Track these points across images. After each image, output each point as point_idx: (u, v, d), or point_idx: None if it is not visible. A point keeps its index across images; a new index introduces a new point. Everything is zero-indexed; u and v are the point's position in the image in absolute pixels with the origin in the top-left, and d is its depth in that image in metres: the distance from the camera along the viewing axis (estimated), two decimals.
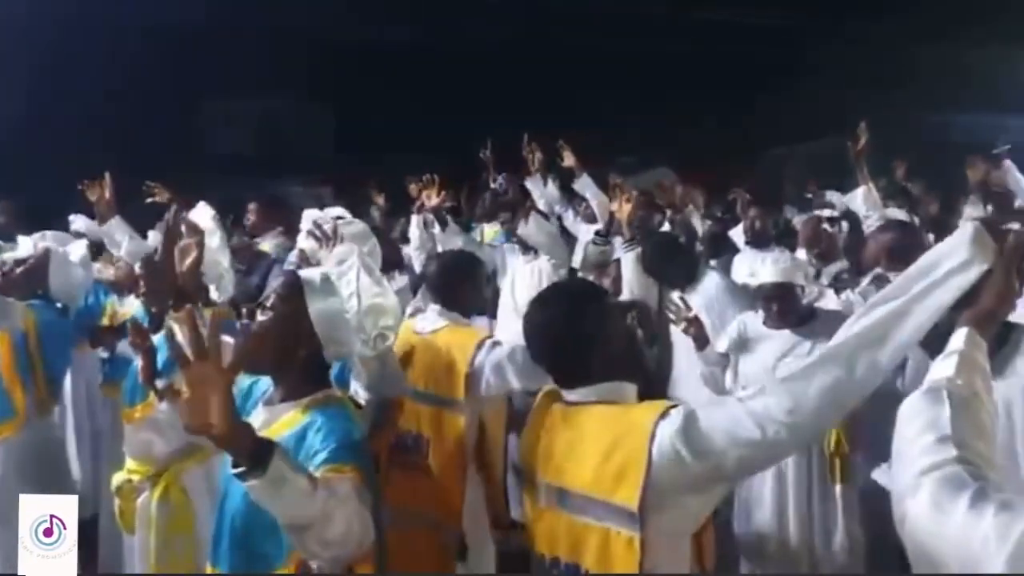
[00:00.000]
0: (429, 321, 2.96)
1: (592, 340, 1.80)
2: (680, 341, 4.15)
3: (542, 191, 6.07)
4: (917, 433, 1.22)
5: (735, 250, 5.38)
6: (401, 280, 4.80)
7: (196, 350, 1.43)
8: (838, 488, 3.38)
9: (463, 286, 3.06)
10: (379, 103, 11.94)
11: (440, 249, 4.51)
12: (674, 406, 1.66)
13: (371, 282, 2.16)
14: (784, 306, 3.52)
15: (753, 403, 1.56)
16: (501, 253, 5.56)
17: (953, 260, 1.40)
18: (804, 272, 3.70)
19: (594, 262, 4.62)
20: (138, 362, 2.62)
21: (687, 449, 1.57)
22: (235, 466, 1.46)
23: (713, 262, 5.18)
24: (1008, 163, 6.03)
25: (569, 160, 5.92)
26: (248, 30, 11.25)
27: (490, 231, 6.28)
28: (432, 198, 4.80)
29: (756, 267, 3.75)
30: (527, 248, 5.04)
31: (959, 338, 1.35)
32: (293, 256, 3.31)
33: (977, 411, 1.26)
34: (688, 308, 3.72)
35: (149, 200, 4.96)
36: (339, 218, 3.16)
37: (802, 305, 3.60)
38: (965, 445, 1.16)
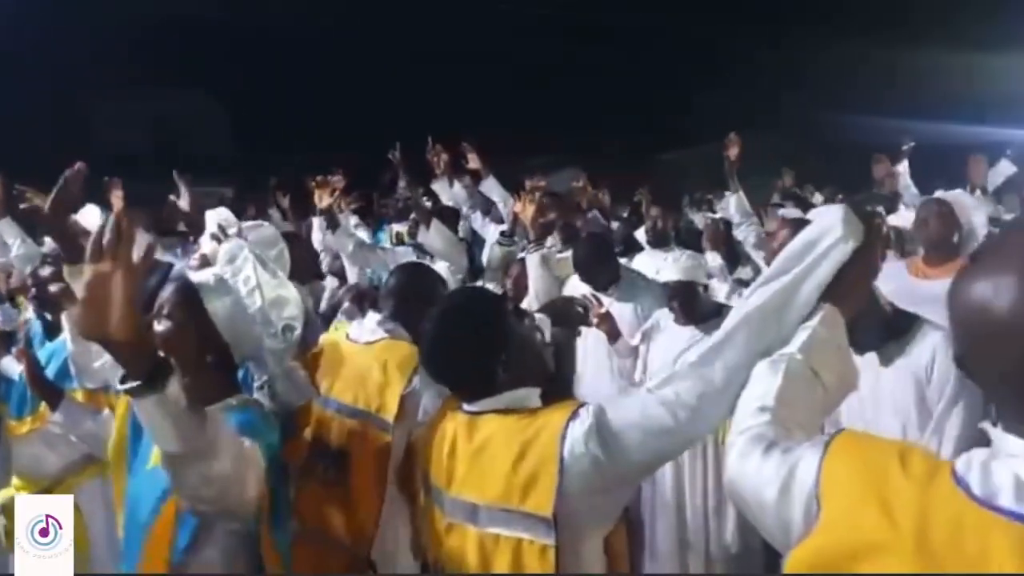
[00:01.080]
0: (367, 330, 2.74)
1: (491, 349, 1.76)
2: (588, 335, 4.15)
3: (449, 194, 6.03)
4: (750, 398, 1.34)
5: (642, 250, 5.47)
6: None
7: (100, 248, 1.34)
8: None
9: (416, 303, 2.76)
10: (285, 101, 11.70)
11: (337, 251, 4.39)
12: (582, 405, 1.64)
13: (268, 274, 2.08)
14: (687, 303, 3.59)
15: (662, 392, 1.55)
16: (394, 255, 5.34)
17: (830, 238, 1.47)
18: (705, 271, 3.77)
19: (499, 263, 4.62)
20: (21, 368, 2.46)
21: (600, 447, 1.55)
22: (124, 380, 1.38)
23: (624, 261, 5.27)
24: (904, 165, 6.34)
25: (474, 162, 5.90)
26: (148, 26, 10.84)
27: (396, 232, 6.23)
28: (324, 199, 4.68)
29: (660, 265, 3.81)
30: (424, 252, 4.98)
31: (817, 313, 1.43)
32: (193, 260, 3.17)
33: (808, 387, 1.36)
34: (600, 304, 3.73)
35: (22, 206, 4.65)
36: (257, 222, 3.03)
37: (706, 302, 3.67)
38: (782, 414, 1.28)
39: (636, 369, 3.76)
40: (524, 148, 10.27)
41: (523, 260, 4.14)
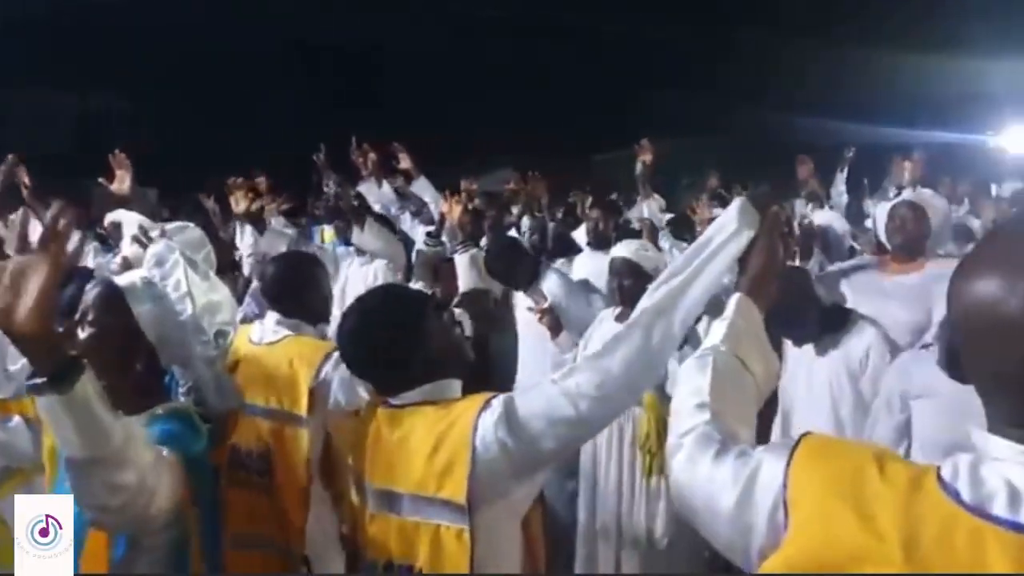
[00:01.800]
0: (268, 330, 2.75)
1: (410, 344, 1.80)
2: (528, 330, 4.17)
3: (377, 195, 5.97)
4: (684, 397, 1.32)
5: (579, 251, 5.49)
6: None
7: (26, 238, 1.31)
8: (646, 482, 3.44)
9: (303, 292, 2.84)
10: (211, 101, 11.43)
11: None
12: (494, 396, 1.71)
13: (199, 278, 2.04)
14: (631, 286, 3.55)
15: (565, 383, 1.65)
16: (333, 256, 5.34)
17: (724, 232, 1.54)
18: (655, 265, 3.79)
19: (426, 264, 4.59)
20: None
21: (509, 436, 1.63)
22: (32, 376, 1.33)
23: (561, 261, 5.28)
24: (843, 171, 6.51)
25: (405, 163, 5.86)
26: (72, 24, 10.47)
27: (329, 233, 6.11)
28: (240, 202, 4.58)
29: (602, 266, 3.83)
30: (361, 251, 4.95)
31: (731, 304, 1.45)
32: (115, 264, 3.06)
33: (738, 376, 1.36)
34: (544, 298, 3.73)
35: None
36: (182, 224, 2.95)
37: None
38: (722, 409, 1.27)
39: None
40: (459, 149, 10.24)
41: (452, 261, 4.13)
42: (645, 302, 1.65)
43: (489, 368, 4.28)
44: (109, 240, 4.08)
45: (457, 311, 2.16)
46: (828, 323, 3.16)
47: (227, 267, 4.51)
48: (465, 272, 3.87)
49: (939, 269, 3.53)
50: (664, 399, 3.22)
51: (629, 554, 3.48)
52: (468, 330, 2.15)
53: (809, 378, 3.21)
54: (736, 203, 1.57)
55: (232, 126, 11.20)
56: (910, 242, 3.69)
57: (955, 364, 0.98)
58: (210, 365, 2.03)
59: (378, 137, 6.09)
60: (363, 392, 2.41)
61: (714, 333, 1.41)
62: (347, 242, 5.20)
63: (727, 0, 13.22)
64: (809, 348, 3.19)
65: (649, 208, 4.75)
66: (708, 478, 1.16)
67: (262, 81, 11.69)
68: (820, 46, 12.28)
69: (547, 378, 1.73)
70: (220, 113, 11.37)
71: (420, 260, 4.69)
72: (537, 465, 1.73)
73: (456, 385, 1.87)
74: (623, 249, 3.69)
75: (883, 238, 4.08)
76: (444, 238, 4.73)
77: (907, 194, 4.42)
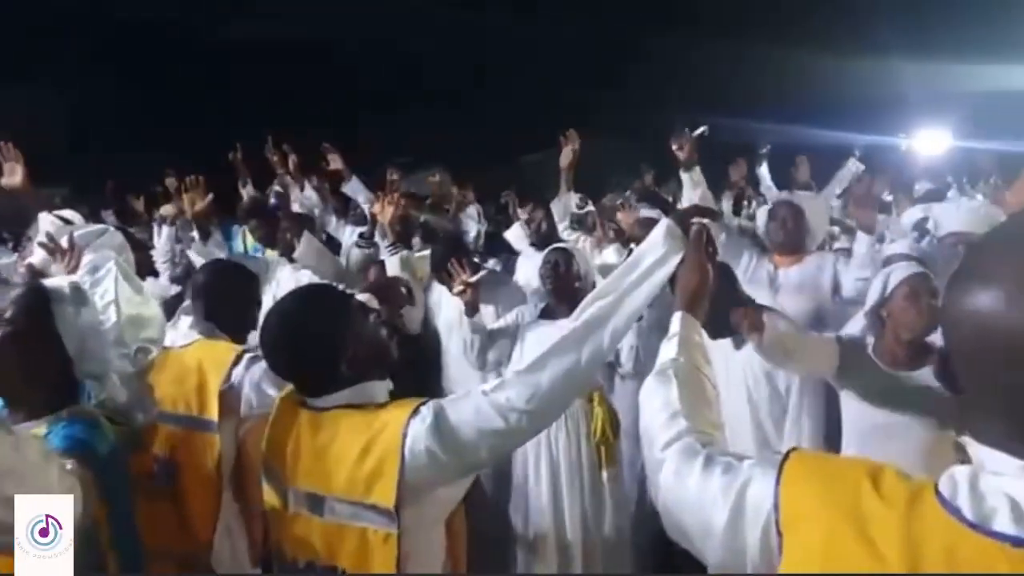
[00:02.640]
0: (180, 334, 2.68)
1: (336, 346, 1.78)
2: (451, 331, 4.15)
3: (297, 195, 5.80)
4: (655, 412, 1.35)
5: (511, 251, 5.46)
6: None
7: None
8: (604, 474, 3.50)
9: (232, 301, 2.78)
10: (122, 99, 10.97)
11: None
12: (424, 403, 1.71)
13: (131, 290, 1.98)
14: (561, 273, 3.64)
15: (496, 395, 1.68)
16: (264, 262, 5.14)
17: (653, 255, 1.63)
18: (587, 261, 3.83)
19: (358, 266, 4.48)
20: None
21: (439, 444, 1.64)
22: None
23: (492, 261, 5.23)
24: (764, 168, 6.67)
25: (335, 163, 5.70)
26: None
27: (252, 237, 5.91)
28: (196, 203, 4.38)
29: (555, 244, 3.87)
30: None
31: (676, 322, 1.53)
32: (20, 269, 2.87)
33: (700, 383, 1.42)
34: (467, 271, 3.68)
35: None
36: (102, 227, 2.80)
37: (576, 289, 3.67)
38: (693, 415, 1.31)
39: (487, 356, 3.78)
40: (386, 148, 10.08)
41: (383, 262, 4.04)
42: (576, 320, 1.70)
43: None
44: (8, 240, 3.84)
45: (363, 296, 2.08)
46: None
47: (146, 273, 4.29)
48: (396, 273, 3.79)
49: (818, 260, 3.95)
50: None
51: (585, 548, 3.49)
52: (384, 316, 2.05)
53: (727, 373, 3.35)
54: (662, 227, 1.65)
55: (142, 124, 10.76)
56: (791, 239, 3.97)
57: (951, 377, 0.95)
58: (127, 381, 1.94)
59: (299, 136, 5.91)
60: (274, 394, 2.32)
61: (666, 351, 1.48)
62: (268, 246, 5.03)
63: (654, 1, 13.39)
64: (727, 342, 3.31)
65: (566, 203, 4.74)
66: (698, 494, 1.15)
67: (177, 78, 11.27)
68: (743, 47, 12.55)
69: (478, 388, 1.75)
70: (131, 111, 10.92)
71: (351, 262, 4.58)
72: (467, 471, 1.75)
73: (382, 387, 1.86)
74: (562, 243, 3.82)
75: (763, 237, 4.36)
76: (376, 239, 4.60)
77: (785, 195, 4.75)
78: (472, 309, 3.67)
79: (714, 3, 12.97)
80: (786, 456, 1.06)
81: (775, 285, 3.89)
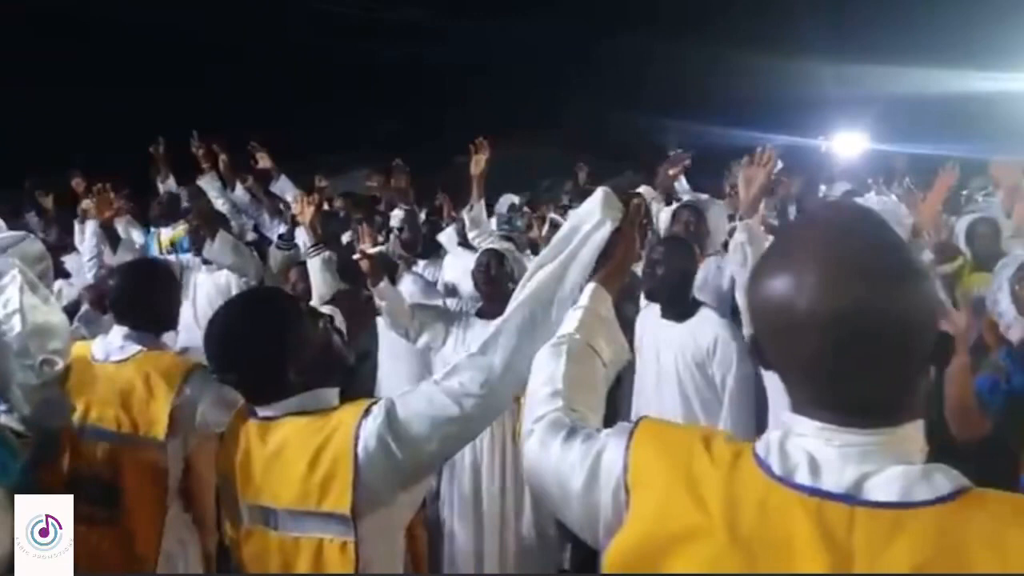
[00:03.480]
0: (114, 347, 2.54)
1: (285, 352, 1.73)
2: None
3: (219, 192, 5.66)
4: (539, 385, 1.36)
5: (444, 252, 5.44)
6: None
7: None
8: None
9: (152, 302, 2.65)
10: (39, 94, 10.54)
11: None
12: (375, 403, 1.68)
13: (37, 300, 1.88)
14: (494, 275, 3.66)
15: (448, 383, 1.66)
16: (179, 261, 4.90)
17: (590, 222, 1.58)
18: (521, 262, 3.83)
19: (279, 268, 4.41)
20: None
21: (393, 440, 1.61)
22: None
23: (423, 263, 5.21)
24: (676, 168, 6.76)
25: (264, 162, 5.61)
26: None
27: (167, 237, 5.72)
28: (103, 210, 4.26)
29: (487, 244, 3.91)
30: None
31: (586, 293, 1.52)
32: None
33: (590, 363, 1.43)
34: (369, 241, 3.70)
35: None
36: (19, 234, 2.68)
37: (510, 290, 3.69)
38: (573, 396, 1.33)
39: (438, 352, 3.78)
40: (315, 146, 9.95)
41: (304, 264, 4.00)
42: (520, 294, 1.68)
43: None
44: None
45: (326, 309, 2.05)
46: (682, 311, 3.43)
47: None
48: (318, 275, 3.76)
49: (717, 261, 4.15)
50: None
51: (516, 548, 3.50)
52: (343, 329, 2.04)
53: (658, 361, 3.45)
54: (600, 193, 1.61)
55: (59, 119, 10.35)
56: (692, 240, 4.04)
57: (759, 354, 1.07)
58: (31, 394, 1.87)
59: (222, 134, 5.79)
60: (231, 409, 2.28)
61: (568, 321, 1.48)
62: (193, 248, 4.90)
63: (581, 3, 13.49)
64: (665, 324, 3.45)
65: (477, 212, 4.75)
66: (558, 460, 1.20)
67: (97, 73, 10.88)
68: (667, 47, 12.72)
69: (428, 379, 1.73)
70: (47, 106, 10.49)
71: (272, 264, 4.50)
72: (422, 469, 1.71)
73: (333, 394, 1.81)
74: (487, 243, 3.84)
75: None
76: (298, 240, 4.54)
77: (686, 198, 4.98)
78: (374, 278, 3.64)
79: (638, 4, 13.12)
80: (636, 424, 1.15)
81: None
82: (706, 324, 3.36)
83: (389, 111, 12.70)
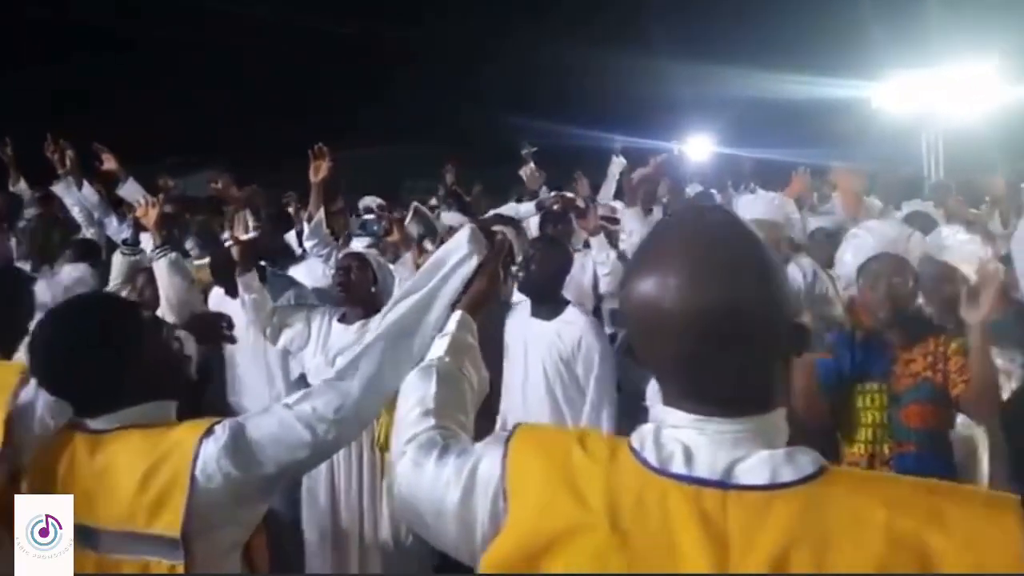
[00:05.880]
0: None
1: (119, 361, 1.64)
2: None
3: (76, 197, 5.34)
4: (409, 408, 1.37)
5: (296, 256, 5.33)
6: None
7: None
8: (385, 482, 3.47)
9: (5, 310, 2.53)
10: None
11: None
12: (218, 422, 1.61)
13: None
14: (354, 280, 3.62)
15: (301, 407, 1.62)
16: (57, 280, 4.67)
17: (457, 255, 1.66)
18: (383, 266, 3.82)
19: (123, 273, 4.18)
20: None
21: (235, 464, 1.55)
22: None
23: (271, 270, 5.05)
24: (530, 167, 6.90)
25: (109, 163, 5.27)
26: None
27: None
28: None
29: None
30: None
31: (453, 321, 1.56)
32: None
33: (460, 385, 1.45)
34: (242, 229, 3.63)
35: None
36: None
37: (371, 294, 3.67)
38: (445, 416, 1.34)
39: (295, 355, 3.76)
40: (161, 147, 9.47)
41: (151, 269, 3.83)
42: (383, 322, 1.68)
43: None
44: None
45: (181, 333, 1.93)
46: (550, 309, 3.55)
47: None
48: (165, 278, 3.60)
49: (580, 259, 4.33)
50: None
51: (373, 556, 3.49)
52: (191, 348, 1.92)
53: (526, 359, 3.54)
54: (467, 230, 1.70)
55: None
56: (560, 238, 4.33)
57: (632, 351, 1.10)
58: None
59: (68, 134, 5.42)
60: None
61: (437, 347, 1.51)
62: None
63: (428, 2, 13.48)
64: (534, 322, 3.55)
65: (318, 221, 4.68)
66: (433, 479, 1.20)
67: None
68: (527, 47, 12.91)
69: (279, 402, 1.67)
70: None
71: (115, 269, 4.25)
72: (265, 492, 1.65)
73: (170, 407, 1.72)
74: (355, 245, 3.90)
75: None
76: (142, 244, 4.30)
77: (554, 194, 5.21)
78: (244, 267, 3.65)
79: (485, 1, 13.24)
80: (513, 431, 1.16)
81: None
82: (572, 322, 3.48)
83: (245, 112, 12.26)
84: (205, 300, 4.34)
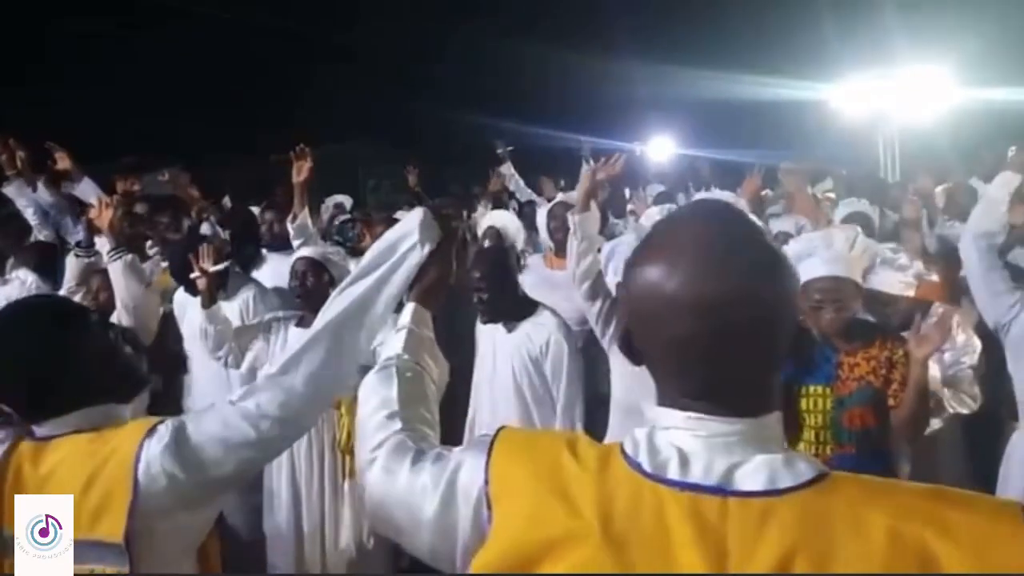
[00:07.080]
0: None
1: (62, 364, 1.60)
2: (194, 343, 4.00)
3: (29, 199, 5.22)
4: (373, 410, 1.31)
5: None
6: None
7: None
8: (347, 484, 3.48)
9: None
10: None
11: None
12: (161, 422, 1.56)
13: None
14: (311, 285, 3.58)
15: (245, 403, 1.57)
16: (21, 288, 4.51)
17: (407, 242, 1.55)
18: (340, 265, 3.74)
19: (77, 276, 4.09)
20: None
21: (178, 465, 1.50)
22: None
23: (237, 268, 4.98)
24: (508, 166, 6.92)
25: (63, 163, 5.14)
26: None
27: None
28: None
29: (300, 251, 3.82)
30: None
31: (407, 314, 1.49)
32: None
33: (421, 381, 1.40)
34: (208, 260, 3.66)
35: None
36: None
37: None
38: (411, 417, 1.29)
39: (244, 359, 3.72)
40: (115, 145, 9.28)
41: (106, 271, 3.75)
42: (329, 312, 1.60)
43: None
44: None
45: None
46: (517, 308, 3.54)
47: None
48: (121, 281, 3.53)
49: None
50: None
51: (335, 559, 3.47)
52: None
53: (495, 357, 3.54)
54: (417, 214, 1.58)
55: None
56: (562, 242, 4.15)
57: (630, 346, 1.06)
58: None
59: (24, 133, 5.28)
60: None
61: (392, 343, 1.44)
62: None
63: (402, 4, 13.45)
64: (499, 327, 3.53)
65: (303, 221, 4.63)
66: (408, 487, 1.15)
67: None
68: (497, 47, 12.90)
69: (223, 400, 1.62)
70: None
71: (69, 272, 4.15)
72: (213, 493, 1.60)
73: (121, 411, 1.66)
74: (307, 250, 3.74)
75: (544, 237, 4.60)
76: (97, 246, 4.21)
77: (561, 196, 5.02)
78: (208, 299, 3.63)
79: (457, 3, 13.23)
80: (495, 435, 1.11)
81: (551, 281, 4.20)
82: (541, 325, 3.49)
83: (199, 110, 12.09)
84: (171, 300, 4.28)
